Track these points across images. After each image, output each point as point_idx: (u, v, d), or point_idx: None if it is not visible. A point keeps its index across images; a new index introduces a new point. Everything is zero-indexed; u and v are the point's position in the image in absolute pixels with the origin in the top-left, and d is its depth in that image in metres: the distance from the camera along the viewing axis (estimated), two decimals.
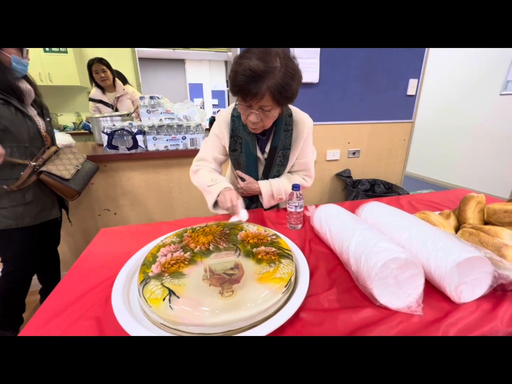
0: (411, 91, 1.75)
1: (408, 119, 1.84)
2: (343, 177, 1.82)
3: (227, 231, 0.64)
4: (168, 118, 1.33)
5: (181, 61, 4.56)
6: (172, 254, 0.55)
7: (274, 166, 0.87)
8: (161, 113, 1.32)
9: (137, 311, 0.46)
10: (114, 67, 2.12)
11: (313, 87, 1.59)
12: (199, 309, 0.41)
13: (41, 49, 2.98)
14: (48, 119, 1.04)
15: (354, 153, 1.83)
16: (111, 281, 0.52)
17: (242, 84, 0.63)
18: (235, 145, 0.85)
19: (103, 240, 0.75)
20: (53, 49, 3.00)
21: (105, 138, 1.28)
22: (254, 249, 0.56)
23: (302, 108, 1.62)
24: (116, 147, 1.30)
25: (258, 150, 0.85)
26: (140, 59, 3.72)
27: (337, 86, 1.62)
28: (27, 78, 0.97)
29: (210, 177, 0.83)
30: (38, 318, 0.45)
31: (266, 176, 0.89)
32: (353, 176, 1.86)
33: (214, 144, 0.88)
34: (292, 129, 0.84)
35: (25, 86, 0.93)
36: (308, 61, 1.49)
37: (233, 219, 0.72)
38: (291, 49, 0.70)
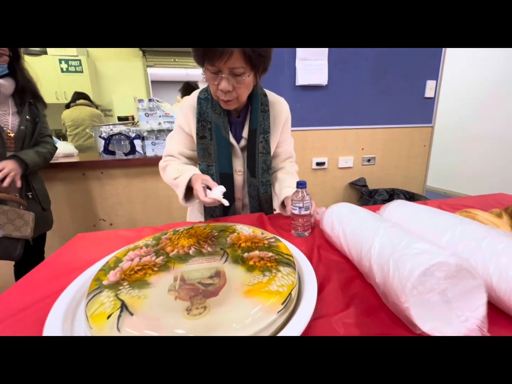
0: (429, 93, 1.64)
1: (428, 123, 1.71)
2: (358, 186, 1.68)
3: (216, 233, 0.53)
4: (168, 122, 1.27)
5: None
6: (140, 259, 0.43)
7: (258, 155, 0.75)
8: (160, 117, 1.27)
9: (81, 334, 0.34)
10: (127, 89, 2.16)
11: (321, 89, 1.51)
12: (155, 335, 0.28)
13: (59, 69, 3.15)
14: (29, 117, 0.98)
15: (369, 160, 1.70)
16: None
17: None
18: (203, 131, 0.73)
19: (77, 245, 0.65)
20: (70, 68, 3.16)
21: (101, 143, 1.23)
22: (245, 254, 0.44)
23: (310, 112, 1.54)
24: (112, 153, 1.24)
25: (231, 136, 0.75)
26: (152, 82, 3.85)
27: (348, 88, 1.53)
28: (14, 76, 0.94)
29: (176, 169, 0.73)
30: None
31: (251, 170, 0.76)
32: (368, 185, 1.71)
33: (179, 138, 0.78)
34: (269, 110, 0.75)
35: None
36: (315, 63, 1.43)
37: (212, 195, 0.63)
38: None
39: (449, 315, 0.32)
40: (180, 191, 0.71)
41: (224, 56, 0.56)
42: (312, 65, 1.43)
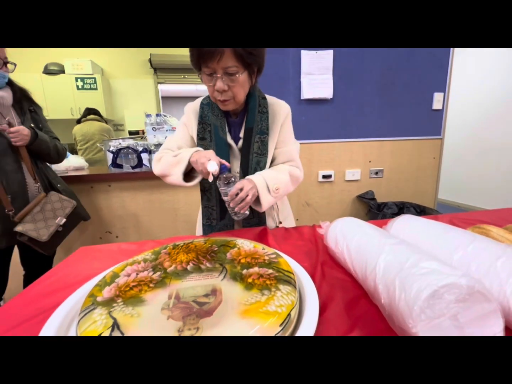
0: (437, 105, 1.62)
1: (437, 135, 1.68)
2: (366, 199, 1.64)
3: (215, 248, 0.52)
4: None
5: None
6: (137, 274, 0.43)
7: (252, 155, 0.74)
8: (166, 131, 1.30)
9: None
10: (138, 105, 2.24)
11: (327, 103, 1.52)
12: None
13: (75, 87, 3.31)
14: (33, 125, 1.01)
15: (376, 173, 1.67)
16: None
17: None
18: (203, 133, 0.76)
19: (79, 259, 0.65)
20: (85, 86, 3.32)
21: (110, 157, 1.26)
22: (244, 271, 0.42)
23: (316, 124, 1.54)
24: (120, 166, 1.27)
25: (229, 136, 0.76)
26: (163, 97, 3.99)
27: (353, 101, 1.54)
28: (11, 86, 0.97)
29: (175, 153, 0.72)
30: None
31: (244, 170, 0.75)
32: (377, 198, 1.67)
33: (181, 134, 0.79)
34: (268, 111, 0.76)
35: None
36: (320, 77, 1.45)
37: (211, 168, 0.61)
38: None
39: None
40: (182, 165, 0.68)
41: (216, 56, 0.59)
42: (316, 79, 1.45)
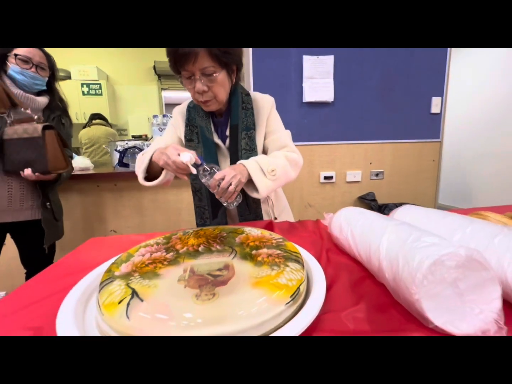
0: (435, 109, 1.66)
1: (436, 138, 1.72)
2: (367, 200, 1.66)
3: (224, 234, 0.54)
4: None
5: None
6: (151, 254, 0.45)
7: (241, 152, 0.75)
8: None
9: (90, 325, 0.35)
10: (142, 111, 2.29)
11: (328, 106, 1.56)
12: (163, 318, 0.29)
13: (81, 92, 3.38)
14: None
15: (377, 175, 1.70)
16: None
17: (175, 50, 0.61)
18: (191, 135, 0.77)
19: (89, 248, 0.67)
20: (90, 91, 3.39)
21: (116, 156, 1.29)
22: (254, 251, 0.44)
23: (317, 127, 1.58)
24: (126, 165, 1.30)
25: (216, 136, 0.77)
26: (166, 104, 4.06)
27: (354, 105, 1.58)
28: (51, 94, 1.03)
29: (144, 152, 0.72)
30: None
31: None
32: (378, 199, 1.69)
33: (169, 134, 0.82)
34: (252, 107, 0.77)
35: (25, 95, 0.97)
36: (322, 81, 1.49)
37: (181, 158, 0.58)
38: None
39: (462, 308, 0.31)
40: (144, 165, 0.67)
41: (191, 58, 0.60)
42: (318, 83, 1.49)
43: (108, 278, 0.37)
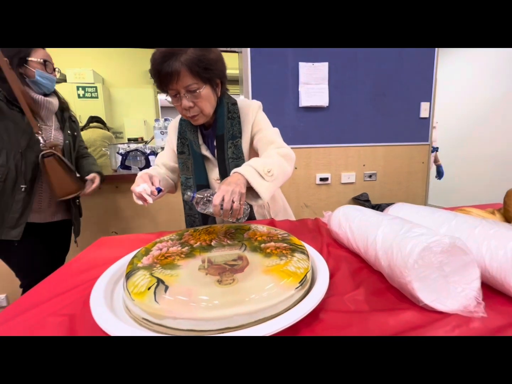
0: (423, 113, 1.74)
1: (425, 141, 1.80)
2: (361, 201, 1.73)
3: (233, 231, 0.58)
4: None
5: None
6: (168, 249, 0.48)
7: (228, 161, 0.77)
8: None
9: (119, 309, 0.39)
10: (137, 114, 2.28)
11: (323, 110, 1.62)
12: (191, 299, 0.33)
13: (76, 95, 3.37)
14: (70, 132, 1.09)
15: (370, 176, 1.76)
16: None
17: (157, 69, 0.63)
18: (182, 147, 0.82)
19: (100, 246, 0.70)
20: (86, 94, 3.38)
21: (119, 159, 1.32)
22: (262, 245, 0.49)
23: (313, 131, 1.64)
24: (128, 167, 1.32)
25: (204, 147, 0.81)
26: (162, 107, 4.07)
27: (348, 109, 1.65)
28: (57, 94, 1.06)
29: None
30: (7, 313, 0.38)
31: (223, 177, 0.74)
32: (371, 200, 1.76)
33: (165, 151, 0.89)
34: (239, 116, 0.79)
35: (45, 98, 0.99)
36: (317, 87, 1.55)
37: (137, 188, 0.64)
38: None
39: (447, 288, 0.36)
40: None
41: (174, 78, 0.63)
42: (313, 88, 1.55)
43: (132, 269, 0.41)
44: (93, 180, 1.12)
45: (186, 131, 0.81)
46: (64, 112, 1.09)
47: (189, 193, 0.58)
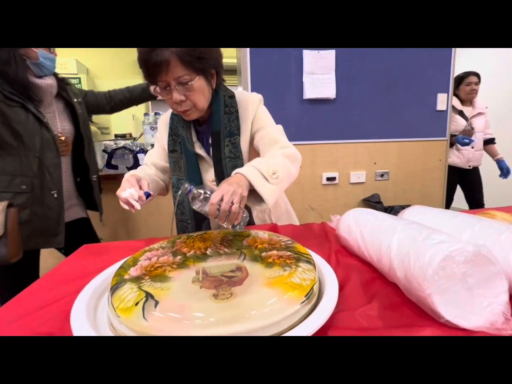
0: (440, 106, 1.74)
1: (442, 136, 1.79)
2: (372, 202, 1.72)
3: (230, 237, 0.57)
4: None
5: None
6: (158, 258, 0.48)
7: (225, 161, 0.75)
8: None
9: (103, 327, 0.38)
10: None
11: (329, 103, 1.62)
12: (184, 316, 0.32)
13: None
14: (81, 120, 1.06)
15: (382, 175, 1.76)
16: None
17: (145, 59, 0.62)
18: (174, 145, 0.81)
19: (83, 255, 0.69)
20: None
21: (105, 157, 1.31)
22: (264, 253, 0.48)
23: (319, 126, 1.64)
24: (115, 167, 1.31)
25: (199, 145, 0.79)
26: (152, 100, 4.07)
27: (356, 102, 1.64)
28: (55, 75, 1.02)
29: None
30: None
31: (220, 179, 0.75)
32: (383, 201, 1.75)
33: (155, 150, 0.87)
34: (237, 110, 0.77)
35: (46, 82, 0.96)
36: (322, 77, 1.55)
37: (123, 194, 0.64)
38: None
39: (471, 302, 0.35)
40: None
41: (163, 68, 0.61)
42: (319, 79, 1.55)
43: (118, 282, 0.40)
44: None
45: (178, 127, 0.80)
46: (68, 92, 1.04)
47: (186, 185, 0.57)
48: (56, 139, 0.98)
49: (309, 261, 0.45)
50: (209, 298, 0.34)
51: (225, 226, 0.55)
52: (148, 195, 0.67)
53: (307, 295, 0.37)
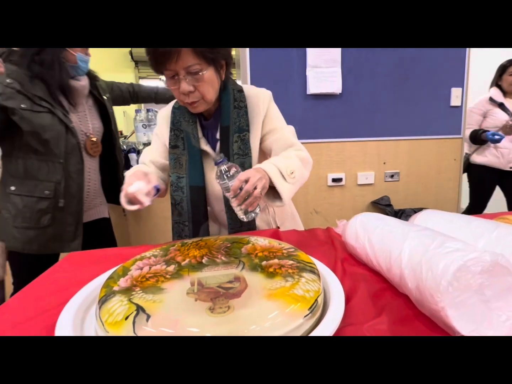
0: (455, 101, 1.74)
1: (457, 134, 1.79)
2: (382, 205, 1.72)
3: (228, 245, 0.57)
4: None
5: None
6: (150, 268, 0.48)
7: (234, 158, 0.77)
8: None
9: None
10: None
11: (335, 98, 1.62)
12: (177, 331, 0.32)
13: None
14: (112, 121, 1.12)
15: (392, 176, 1.76)
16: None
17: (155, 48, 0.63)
18: (176, 141, 0.80)
19: (70, 263, 0.69)
20: None
21: None
22: (264, 262, 0.48)
23: (324, 122, 1.64)
24: None
25: (204, 141, 0.80)
26: None
27: (364, 97, 1.64)
28: (88, 74, 1.06)
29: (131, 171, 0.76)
30: None
31: None
32: (393, 204, 1.75)
33: (154, 146, 0.86)
34: (246, 105, 0.79)
35: (81, 84, 1.00)
36: (327, 70, 1.55)
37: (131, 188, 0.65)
38: None
39: (489, 316, 0.35)
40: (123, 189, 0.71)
41: (173, 56, 0.62)
42: (324, 72, 1.55)
43: (107, 294, 0.40)
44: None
45: (181, 121, 0.80)
46: (99, 90, 1.09)
47: (222, 154, 0.62)
48: (86, 142, 1.02)
49: (313, 271, 0.45)
50: (204, 311, 0.34)
51: (238, 209, 0.62)
52: (157, 189, 0.66)
53: (310, 308, 0.37)
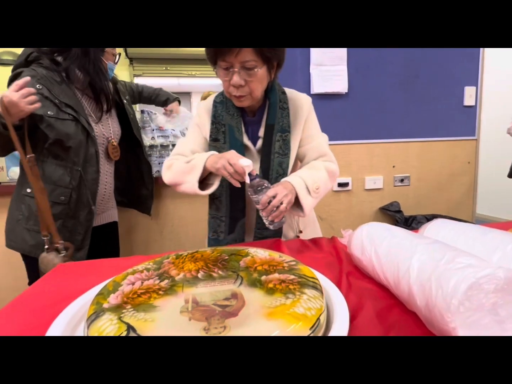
0: (468, 101, 1.74)
1: (470, 135, 1.79)
2: (391, 212, 1.72)
3: (226, 257, 0.57)
4: (162, 136, 1.38)
5: (187, 94, 4.99)
6: (142, 283, 0.48)
7: (274, 156, 0.84)
8: (153, 130, 1.37)
9: None
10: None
11: (341, 98, 1.63)
12: None
13: None
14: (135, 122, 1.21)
15: (402, 180, 1.76)
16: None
17: None
18: (217, 134, 0.85)
19: (58, 276, 0.69)
20: None
21: None
22: (263, 277, 0.48)
23: (329, 123, 1.65)
24: None
25: (246, 137, 0.86)
26: None
27: (372, 96, 1.65)
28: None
29: (187, 159, 0.82)
30: None
31: (265, 173, 0.85)
32: (403, 210, 1.75)
33: (194, 136, 0.90)
34: (288, 107, 0.86)
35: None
36: (333, 68, 1.56)
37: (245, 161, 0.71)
38: None
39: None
40: (197, 171, 0.77)
41: (234, 50, 0.68)
42: (329, 71, 1.56)
43: (96, 311, 0.40)
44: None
45: (224, 115, 0.85)
46: (118, 94, 1.17)
47: (257, 171, 0.72)
48: (108, 147, 1.09)
49: (316, 287, 0.45)
50: (199, 331, 0.34)
51: (265, 219, 0.73)
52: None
53: (312, 327, 0.37)
